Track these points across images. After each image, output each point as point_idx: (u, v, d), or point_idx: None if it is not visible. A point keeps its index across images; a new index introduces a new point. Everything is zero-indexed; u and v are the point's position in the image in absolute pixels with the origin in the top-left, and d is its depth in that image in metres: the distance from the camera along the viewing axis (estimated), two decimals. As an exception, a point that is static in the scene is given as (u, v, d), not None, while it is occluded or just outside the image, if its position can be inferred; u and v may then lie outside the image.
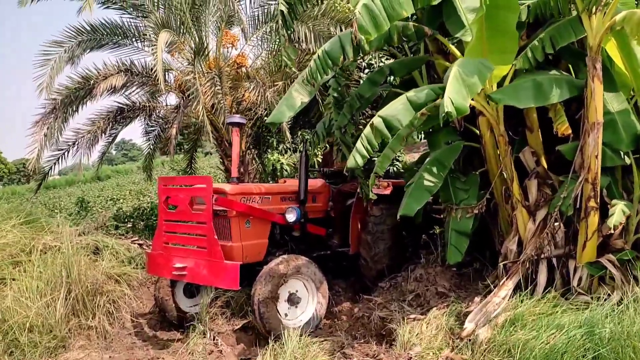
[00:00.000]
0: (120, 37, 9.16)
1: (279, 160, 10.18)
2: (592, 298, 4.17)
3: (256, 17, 9.56)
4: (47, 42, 8.36)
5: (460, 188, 5.10)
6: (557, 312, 3.96)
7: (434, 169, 4.90)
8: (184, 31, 8.69)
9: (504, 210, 5.14)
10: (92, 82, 8.58)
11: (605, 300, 4.01)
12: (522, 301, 4.24)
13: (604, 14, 3.76)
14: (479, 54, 4.01)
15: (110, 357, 5.11)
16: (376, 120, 4.21)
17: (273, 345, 4.36)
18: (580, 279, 4.36)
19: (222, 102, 7.80)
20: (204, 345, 5.08)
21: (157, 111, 10.68)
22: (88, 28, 8.72)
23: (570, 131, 4.27)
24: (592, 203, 4.18)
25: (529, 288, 4.44)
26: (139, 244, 7.24)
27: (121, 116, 10.07)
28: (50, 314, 5.26)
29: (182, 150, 12.68)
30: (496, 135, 4.61)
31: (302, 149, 6.22)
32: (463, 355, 3.94)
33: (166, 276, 5.50)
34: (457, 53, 4.82)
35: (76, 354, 5.04)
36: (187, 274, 5.11)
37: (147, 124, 11.46)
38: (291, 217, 5.62)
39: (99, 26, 8.83)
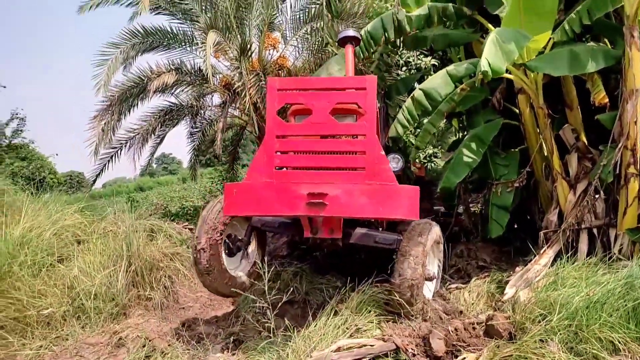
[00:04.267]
0: (170, 40, 9.75)
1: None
2: (634, 264, 4.24)
3: (297, 19, 10.00)
4: (105, 43, 9.00)
5: (500, 164, 5.25)
6: (597, 274, 4.05)
7: (473, 145, 5.08)
8: (230, 32, 9.17)
9: (544, 186, 5.26)
10: (145, 80, 9.16)
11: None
12: (563, 266, 4.35)
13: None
14: (517, 25, 4.18)
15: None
16: (417, 93, 4.47)
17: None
18: (621, 246, 4.44)
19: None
20: (254, 314, 5.32)
21: (202, 112, 11.22)
22: (142, 31, 9.33)
23: (607, 100, 4.38)
24: (631, 169, 4.27)
25: (569, 255, 4.53)
26: (189, 229, 7.63)
27: (169, 116, 10.64)
28: (113, 284, 5.67)
29: (220, 162, 13.49)
30: (535, 108, 4.76)
31: (380, 101, 5.35)
32: (504, 313, 4.07)
33: (283, 212, 3.93)
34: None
35: (136, 320, 5.40)
36: (328, 204, 3.70)
37: (192, 126, 12.04)
38: (395, 165, 4.67)
39: (152, 29, 9.44)
